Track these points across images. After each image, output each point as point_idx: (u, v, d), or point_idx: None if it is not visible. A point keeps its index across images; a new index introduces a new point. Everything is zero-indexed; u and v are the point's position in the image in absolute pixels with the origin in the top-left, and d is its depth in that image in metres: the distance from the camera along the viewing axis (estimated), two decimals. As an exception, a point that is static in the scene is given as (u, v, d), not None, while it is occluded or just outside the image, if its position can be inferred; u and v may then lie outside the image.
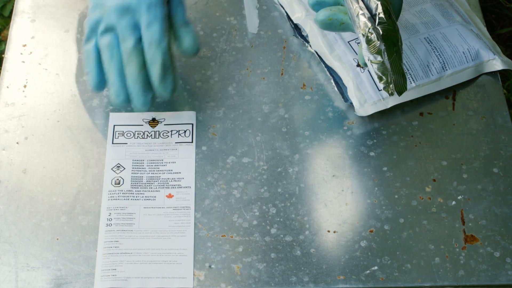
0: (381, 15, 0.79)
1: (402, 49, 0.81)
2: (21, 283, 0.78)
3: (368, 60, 0.81)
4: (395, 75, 0.81)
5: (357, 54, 0.92)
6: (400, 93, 0.82)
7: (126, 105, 0.87)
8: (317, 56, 0.95)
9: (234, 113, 0.90)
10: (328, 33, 0.94)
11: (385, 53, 0.79)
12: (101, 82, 0.85)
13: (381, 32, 0.79)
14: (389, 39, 0.79)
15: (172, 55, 0.84)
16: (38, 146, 0.87)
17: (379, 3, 0.79)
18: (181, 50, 0.87)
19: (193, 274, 0.79)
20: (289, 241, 0.81)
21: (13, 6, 1.01)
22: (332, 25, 0.85)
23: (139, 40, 0.83)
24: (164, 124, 0.89)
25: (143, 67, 0.83)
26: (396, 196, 0.84)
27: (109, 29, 0.83)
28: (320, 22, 0.85)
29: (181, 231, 0.81)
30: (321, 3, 0.85)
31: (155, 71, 0.83)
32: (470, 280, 0.79)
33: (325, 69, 0.93)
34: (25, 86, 0.92)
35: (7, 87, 0.92)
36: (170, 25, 0.85)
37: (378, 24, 0.79)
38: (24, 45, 0.96)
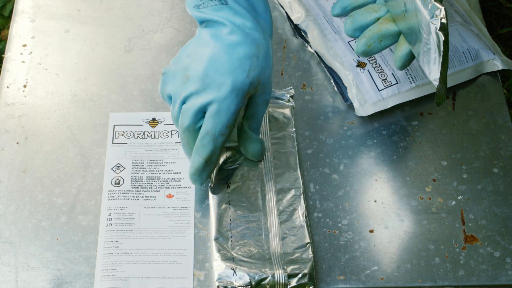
0: (444, 20, 0.75)
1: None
2: (21, 283, 0.78)
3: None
4: (440, 83, 0.78)
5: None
6: (439, 104, 0.79)
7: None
8: (317, 56, 0.95)
9: (234, 113, 0.90)
10: (328, 33, 0.94)
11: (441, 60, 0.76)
12: None
13: (443, 38, 0.75)
14: (446, 46, 0.76)
15: (221, 153, 0.80)
16: (38, 146, 0.87)
17: (443, 8, 0.75)
18: (243, 152, 0.83)
19: (193, 274, 0.79)
20: (289, 241, 0.81)
21: (13, 6, 1.01)
22: (374, 49, 0.83)
23: (198, 121, 0.77)
24: (164, 124, 0.89)
25: (191, 148, 0.79)
26: (396, 196, 0.84)
27: (182, 102, 0.77)
28: (362, 53, 0.83)
29: (181, 231, 0.81)
30: (358, 27, 0.84)
31: (195, 161, 0.78)
32: (470, 280, 0.79)
33: (325, 69, 0.93)
34: (25, 86, 0.92)
35: (7, 87, 0.92)
36: (242, 119, 0.80)
37: (440, 29, 0.75)
38: (24, 45, 0.96)
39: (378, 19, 0.84)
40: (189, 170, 0.80)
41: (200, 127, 0.77)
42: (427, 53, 0.78)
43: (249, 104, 0.79)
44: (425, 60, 0.79)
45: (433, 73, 0.78)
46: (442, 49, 0.75)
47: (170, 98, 0.79)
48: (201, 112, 0.77)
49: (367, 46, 0.83)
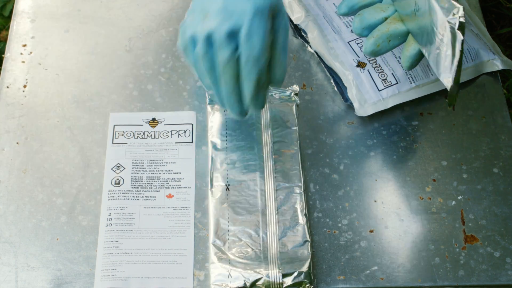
0: (462, 19, 0.74)
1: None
2: (21, 283, 0.78)
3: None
4: (453, 84, 0.77)
5: (356, 54, 0.92)
6: (450, 104, 0.79)
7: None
8: (317, 56, 0.95)
9: (234, 113, 0.90)
10: (328, 33, 0.94)
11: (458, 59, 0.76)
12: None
13: (462, 37, 0.75)
14: (462, 46, 0.75)
15: (267, 72, 0.79)
16: (38, 146, 0.87)
17: (461, 7, 0.75)
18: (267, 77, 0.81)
19: (193, 274, 0.79)
20: (289, 241, 0.81)
21: (13, 6, 1.01)
22: (382, 49, 0.84)
23: (235, 50, 0.76)
24: (164, 124, 0.89)
25: (237, 79, 0.78)
26: (396, 196, 0.84)
27: (207, 39, 0.76)
28: (371, 53, 0.84)
29: (181, 231, 0.81)
30: (366, 26, 0.84)
31: (247, 88, 0.78)
32: (470, 280, 0.79)
33: (325, 69, 0.93)
34: (25, 86, 0.92)
35: (7, 87, 0.92)
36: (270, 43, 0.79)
37: (458, 28, 0.74)
38: (24, 45, 0.96)
39: (386, 18, 0.84)
40: (244, 101, 0.79)
41: (238, 57, 0.77)
42: (440, 53, 0.77)
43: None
44: (436, 60, 0.78)
45: (445, 74, 0.78)
46: (460, 48, 0.75)
47: (193, 43, 0.78)
48: (233, 39, 0.76)
49: (376, 46, 0.83)
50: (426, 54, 0.81)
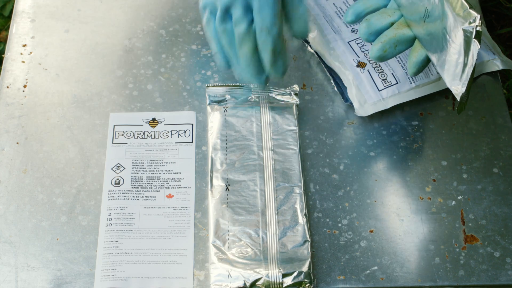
0: (479, 28, 0.74)
1: None
2: (21, 283, 0.78)
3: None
4: (465, 92, 0.77)
5: (356, 54, 0.92)
6: (460, 112, 0.79)
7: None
8: (317, 56, 0.95)
9: (234, 113, 0.90)
10: (328, 33, 0.94)
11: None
12: (229, 63, 0.86)
13: (478, 46, 0.74)
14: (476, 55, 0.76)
15: (283, 39, 0.83)
16: (38, 146, 0.87)
17: (478, 16, 0.74)
18: (291, 32, 0.85)
19: (193, 274, 0.79)
20: (289, 241, 0.81)
21: (13, 6, 1.01)
22: (389, 54, 0.83)
23: (251, 23, 0.81)
24: (164, 124, 0.89)
25: (255, 50, 0.82)
26: (396, 196, 0.84)
27: (225, 12, 0.82)
28: (377, 58, 0.84)
29: (181, 231, 0.81)
30: (373, 31, 0.84)
31: (265, 57, 0.82)
32: (470, 280, 0.79)
33: (325, 69, 0.93)
34: (25, 86, 0.92)
35: (7, 87, 0.92)
36: (282, 5, 0.82)
37: (475, 37, 0.74)
38: (24, 45, 0.96)
39: (392, 23, 0.84)
40: (266, 69, 0.84)
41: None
42: (451, 60, 0.77)
43: None
44: (446, 67, 0.78)
45: (455, 81, 0.77)
46: (475, 57, 0.75)
47: (212, 16, 0.83)
48: (249, 12, 0.80)
49: (382, 51, 0.83)
50: (434, 61, 0.80)
